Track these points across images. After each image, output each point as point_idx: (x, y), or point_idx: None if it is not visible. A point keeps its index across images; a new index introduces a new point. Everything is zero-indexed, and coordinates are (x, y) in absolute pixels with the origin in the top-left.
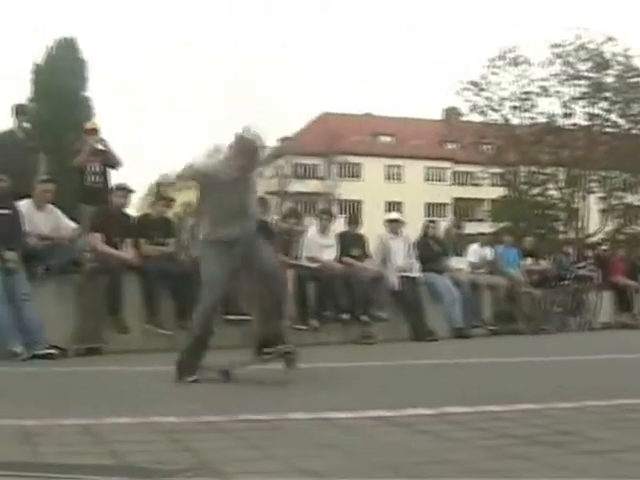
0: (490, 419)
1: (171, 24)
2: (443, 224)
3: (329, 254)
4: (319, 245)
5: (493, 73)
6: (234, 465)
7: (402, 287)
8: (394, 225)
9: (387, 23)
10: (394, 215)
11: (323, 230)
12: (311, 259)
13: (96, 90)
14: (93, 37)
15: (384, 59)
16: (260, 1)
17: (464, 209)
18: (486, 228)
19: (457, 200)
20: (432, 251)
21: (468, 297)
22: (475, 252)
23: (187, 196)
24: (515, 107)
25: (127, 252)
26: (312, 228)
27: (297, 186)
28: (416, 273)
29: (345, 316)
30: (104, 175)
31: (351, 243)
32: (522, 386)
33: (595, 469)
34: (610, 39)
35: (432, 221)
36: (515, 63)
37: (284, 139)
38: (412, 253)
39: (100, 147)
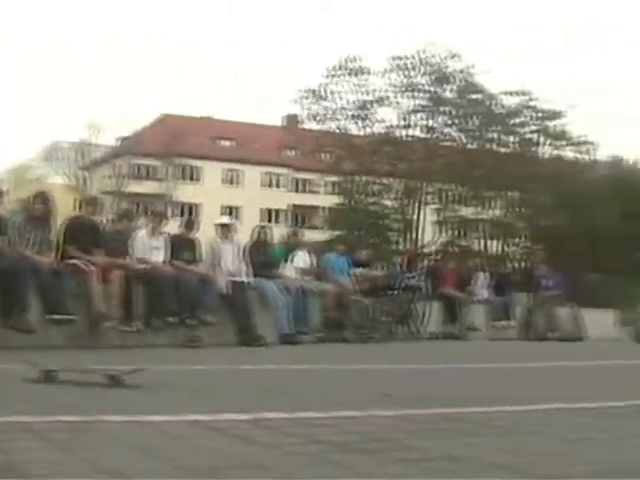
0: (306, 425)
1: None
2: (279, 230)
3: (158, 256)
4: (148, 246)
5: (333, 82)
6: (39, 467)
7: (231, 291)
8: (224, 229)
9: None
10: (224, 219)
11: (153, 232)
12: (140, 260)
13: None
14: None
15: (226, 63)
16: None
17: (301, 216)
18: (322, 235)
19: (295, 207)
20: (262, 256)
21: (297, 303)
22: (301, 258)
23: (23, 192)
24: (354, 116)
25: None
26: (142, 229)
27: (134, 187)
28: (245, 278)
29: (172, 319)
30: None
31: (182, 246)
32: (344, 393)
33: (404, 477)
34: (454, 55)
35: (263, 226)
36: (355, 73)
37: (123, 139)
38: (242, 258)
39: None
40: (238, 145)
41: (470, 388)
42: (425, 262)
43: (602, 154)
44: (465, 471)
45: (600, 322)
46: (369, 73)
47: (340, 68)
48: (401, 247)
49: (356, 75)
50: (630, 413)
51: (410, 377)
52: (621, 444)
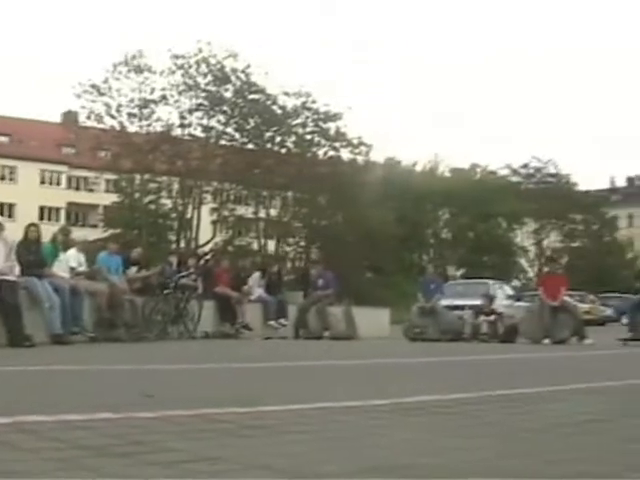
0: (69, 428)
1: None
2: (53, 228)
3: None
4: None
5: (116, 78)
6: None
7: (0, 291)
8: None
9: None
10: None
11: None
12: None
13: None
14: None
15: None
16: None
17: (78, 214)
18: (101, 234)
19: (71, 205)
20: (32, 255)
21: (68, 303)
22: (73, 257)
23: None
24: (133, 114)
25: None
26: None
27: None
28: (15, 277)
29: None
30: None
31: None
32: (108, 394)
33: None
34: (232, 55)
35: (32, 224)
36: (139, 70)
37: None
38: (12, 256)
39: None
40: (14, 141)
41: (237, 387)
42: (199, 261)
43: (379, 156)
44: (223, 472)
45: (374, 320)
46: (150, 71)
47: (123, 64)
48: (178, 246)
49: (141, 72)
50: (393, 411)
51: (177, 377)
52: (379, 442)
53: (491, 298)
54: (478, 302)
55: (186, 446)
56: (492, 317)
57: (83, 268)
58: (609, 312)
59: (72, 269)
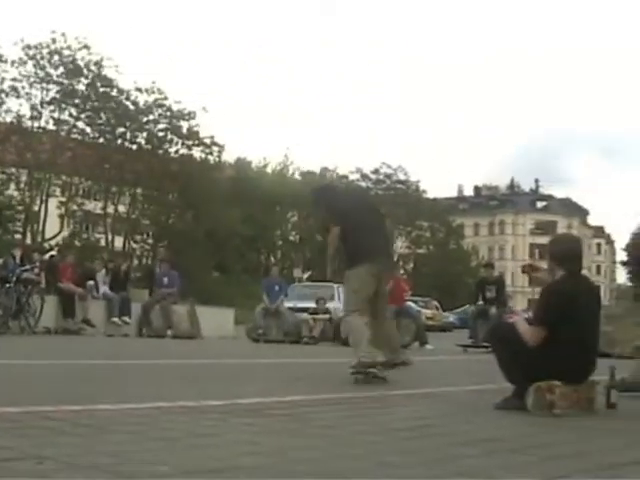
0: None
1: None
2: None
3: None
4: None
5: None
6: None
7: None
8: None
9: None
10: None
11: None
12: None
13: None
14: None
15: None
16: None
17: None
18: None
19: None
20: None
21: None
22: None
23: None
24: None
25: None
26: None
27: None
28: None
29: None
30: None
31: None
32: None
33: None
34: (85, 47)
35: None
36: None
37: None
38: None
39: None
40: None
41: (73, 385)
42: (44, 255)
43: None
44: (49, 471)
45: (219, 320)
46: (2, 60)
47: None
48: (27, 238)
49: None
50: (229, 412)
51: (13, 373)
52: (211, 443)
53: (325, 300)
54: (313, 304)
55: (14, 443)
56: (326, 316)
57: None
58: (452, 319)
59: None
